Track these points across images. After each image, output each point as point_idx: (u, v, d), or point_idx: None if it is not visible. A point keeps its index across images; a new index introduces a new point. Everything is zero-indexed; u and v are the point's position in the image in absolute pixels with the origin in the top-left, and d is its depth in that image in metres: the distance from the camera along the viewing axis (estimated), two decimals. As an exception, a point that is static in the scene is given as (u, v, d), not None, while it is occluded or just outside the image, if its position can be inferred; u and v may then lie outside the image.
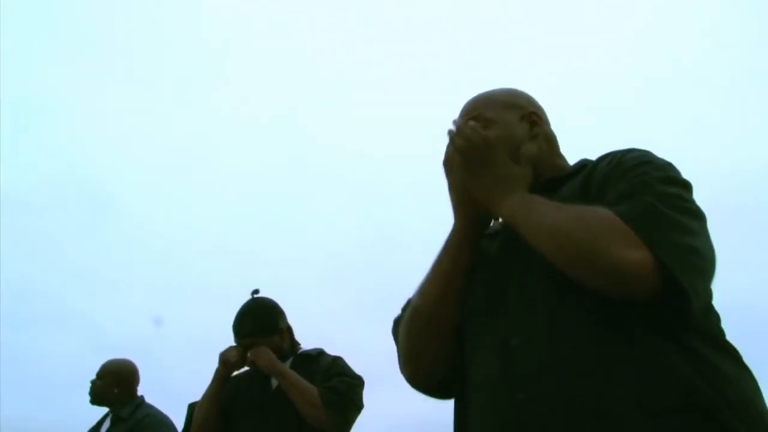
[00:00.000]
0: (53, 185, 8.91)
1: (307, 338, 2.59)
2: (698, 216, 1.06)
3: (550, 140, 1.33)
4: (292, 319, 2.60)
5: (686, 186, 1.10)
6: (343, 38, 10.09)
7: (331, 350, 2.54)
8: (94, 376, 3.38)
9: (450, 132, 1.24)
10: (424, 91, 9.21)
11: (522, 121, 1.31)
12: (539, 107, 1.37)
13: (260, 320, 2.48)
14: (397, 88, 9.59)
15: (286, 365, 2.41)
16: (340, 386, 2.29)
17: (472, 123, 1.21)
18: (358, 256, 8.80)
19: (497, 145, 1.18)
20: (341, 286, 8.51)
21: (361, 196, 9.88)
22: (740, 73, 8.28)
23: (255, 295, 2.55)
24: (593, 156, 1.28)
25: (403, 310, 1.32)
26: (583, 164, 1.26)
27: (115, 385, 3.36)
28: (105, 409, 3.39)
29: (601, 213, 1.02)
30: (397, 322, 1.32)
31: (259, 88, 9.81)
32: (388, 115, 9.58)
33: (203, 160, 9.98)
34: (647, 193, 1.03)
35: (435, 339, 1.20)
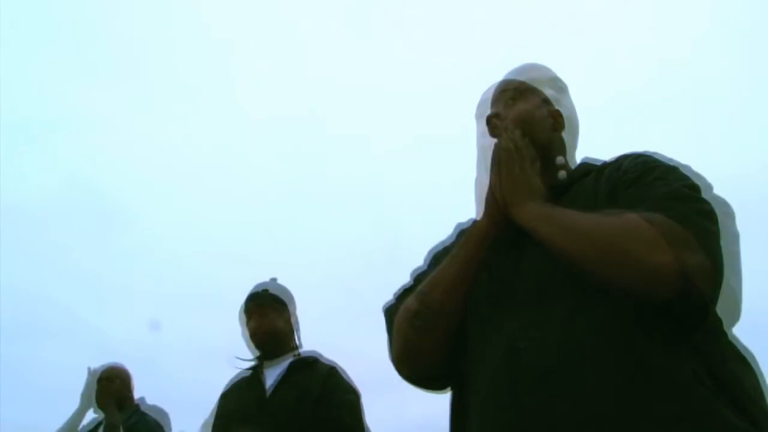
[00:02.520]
0: (62, 195, 8.95)
1: (310, 342, 2.61)
2: (716, 220, 1.08)
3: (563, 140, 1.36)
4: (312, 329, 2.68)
5: (698, 189, 1.12)
6: (351, 43, 10.12)
7: (334, 355, 2.54)
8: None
9: (493, 125, 1.27)
10: (435, 95, 9.22)
11: (548, 116, 1.34)
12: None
13: (278, 291, 2.57)
14: (407, 92, 9.60)
15: (285, 363, 2.41)
16: None
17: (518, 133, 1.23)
18: (365, 261, 8.79)
19: (529, 153, 1.21)
20: (345, 291, 8.49)
21: (369, 202, 9.89)
22: (738, 74, 8.26)
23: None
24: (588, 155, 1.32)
25: (396, 298, 1.32)
26: (588, 167, 1.28)
27: (127, 388, 3.40)
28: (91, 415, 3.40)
29: (632, 218, 1.03)
30: (390, 311, 1.30)
31: (266, 94, 9.85)
32: (398, 122, 9.59)
33: (212, 167, 10.02)
34: (675, 199, 1.06)
35: (440, 332, 1.19)
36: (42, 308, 7.70)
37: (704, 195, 1.10)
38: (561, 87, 1.41)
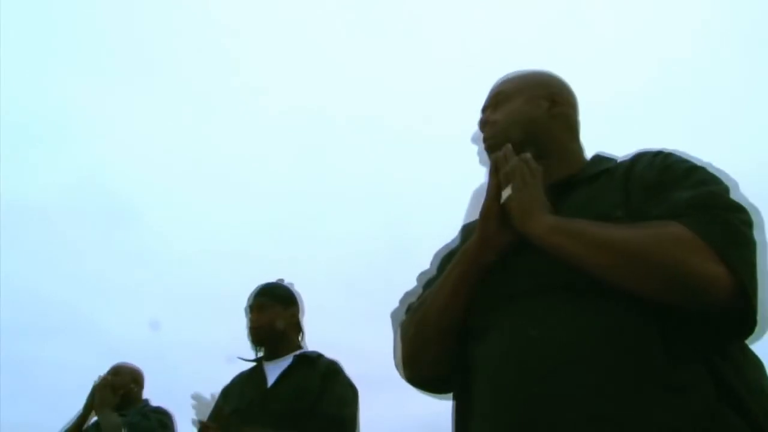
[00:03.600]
0: (70, 195, 8.99)
1: (313, 339, 2.61)
2: (741, 230, 1.03)
3: (570, 125, 1.34)
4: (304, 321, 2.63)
5: (721, 194, 1.07)
6: (361, 41, 10.13)
7: (340, 354, 2.53)
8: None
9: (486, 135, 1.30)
10: (445, 94, 9.22)
11: (541, 100, 1.32)
12: (565, 91, 1.37)
13: (277, 288, 2.59)
14: (419, 91, 9.62)
15: (286, 361, 2.42)
16: None
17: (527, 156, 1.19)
18: (371, 260, 8.79)
19: (539, 173, 1.17)
20: (351, 289, 8.50)
21: (378, 203, 9.90)
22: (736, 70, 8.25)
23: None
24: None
25: (402, 304, 1.33)
26: (599, 166, 1.24)
27: (135, 384, 3.41)
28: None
29: (675, 229, 1.00)
30: (396, 316, 1.32)
31: (277, 96, 9.87)
32: (408, 121, 9.60)
33: (220, 166, 10.05)
34: (716, 207, 1.02)
35: (441, 342, 1.20)
36: (48, 307, 7.72)
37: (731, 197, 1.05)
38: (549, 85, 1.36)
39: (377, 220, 9.57)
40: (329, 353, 2.52)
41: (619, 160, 1.24)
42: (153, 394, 3.49)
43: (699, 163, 1.13)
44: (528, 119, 1.29)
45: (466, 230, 1.37)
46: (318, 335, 2.67)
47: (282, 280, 2.66)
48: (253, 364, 2.51)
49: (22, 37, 8.46)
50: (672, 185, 1.08)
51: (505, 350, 1.07)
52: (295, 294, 2.63)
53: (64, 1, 9.13)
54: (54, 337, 7.50)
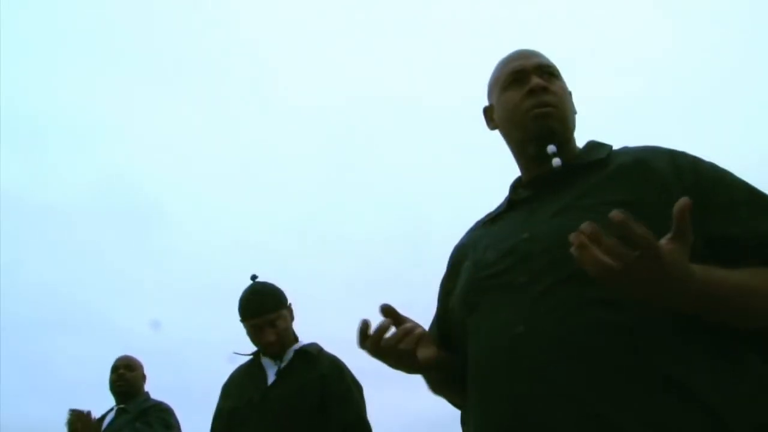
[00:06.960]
0: (95, 195, 9.07)
1: (320, 338, 2.56)
2: None
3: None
4: (316, 320, 2.60)
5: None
6: (369, 44, 10.14)
7: (344, 350, 2.47)
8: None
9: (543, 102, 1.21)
10: (459, 107, 9.23)
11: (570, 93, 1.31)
12: None
13: (275, 295, 2.42)
14: (432, 105, 9.62)
15: (286, 356, 2.37)
16: None
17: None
18: (389, 261, 8.79)
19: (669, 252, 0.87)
20: (354, 287, 8.49)
21: (396, 205, 9.91)
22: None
23: (255, 279, 2.49)
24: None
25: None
26: (595, 154, 1.19)
27: (143, 378, 3.52)
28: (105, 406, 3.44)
29: None
30: None
31: (301, 99, 9.90)
32: (419, 125, 9.59)
33: (246, 168, 10.11)
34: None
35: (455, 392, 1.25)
36: (66, 305, 7.80)
37: None
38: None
39: (386, 217, 9.59)
40: (333, 347, 2.47)
41: (616, 149, 1.20)
42: (167, 391, 3.56)
43: (719, 168, 1.11)
44: (571, 106, 1.29)
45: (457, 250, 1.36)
46: (323, 331, 2.65)
47: (256, 276, 2.48)
48: (251, 357, 2.47)
49: (47, 39, 8.58)
50: (730, 199, 1.05)
51: (491, 349, 1.06)
52: (281, 290, 2.49)
53: (89, 4, 9.24)
54: (71, 334, 7.58)
